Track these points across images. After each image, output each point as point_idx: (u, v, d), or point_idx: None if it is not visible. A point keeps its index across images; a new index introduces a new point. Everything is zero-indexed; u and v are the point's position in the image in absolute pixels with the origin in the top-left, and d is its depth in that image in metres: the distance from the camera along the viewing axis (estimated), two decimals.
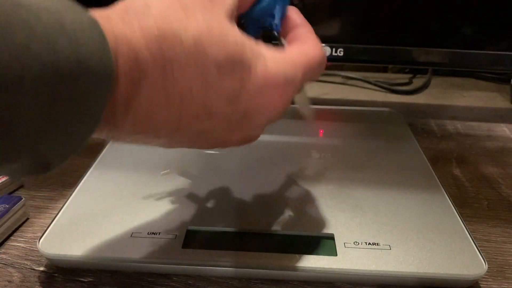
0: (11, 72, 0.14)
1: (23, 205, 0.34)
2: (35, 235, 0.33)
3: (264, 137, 0.27)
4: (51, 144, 0.17)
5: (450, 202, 0.34)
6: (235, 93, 0.21)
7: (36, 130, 0.16)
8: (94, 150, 0.42)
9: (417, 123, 0.51)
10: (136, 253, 0.28)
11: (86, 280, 0.29)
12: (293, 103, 0.26)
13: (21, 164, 0.17)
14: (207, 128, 0.22)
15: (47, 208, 0.36)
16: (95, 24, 0.17)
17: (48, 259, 0.30)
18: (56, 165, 0.18)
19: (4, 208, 0.32)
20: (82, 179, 0.36)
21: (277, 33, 0.26)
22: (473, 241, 0.30)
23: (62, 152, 0.18)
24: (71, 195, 0.34)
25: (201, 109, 0.20)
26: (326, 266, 0.28)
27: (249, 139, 0.25)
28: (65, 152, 0.18)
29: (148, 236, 0.30)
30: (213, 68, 0.20)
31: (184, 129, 0.21)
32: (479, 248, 0.29)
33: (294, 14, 0.26)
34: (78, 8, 0.17)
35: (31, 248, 0.31)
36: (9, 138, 0.15)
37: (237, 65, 0.20)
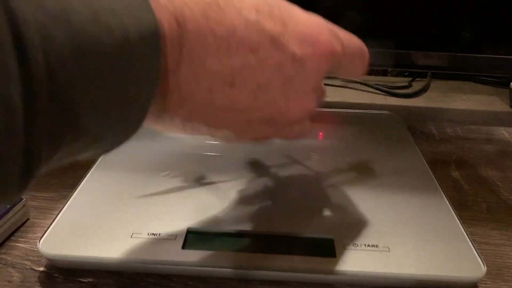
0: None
1: (24, 205, 0.34)
2: (36, 235, 0.33)
3: None
4: (115, 115, 0.18)
5: (449, 205, 0.34)
6: (278, 34, 0.21)
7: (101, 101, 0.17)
8: None
9: (416, 126, 0.52)
10: (136, 253, 0.28)
11: (86, 280, 0.29)
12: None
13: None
14: (262, 81, 0.22)
15: (48, 209, 0.36)
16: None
17: (48, 259, 0.30)
18: (118, 144, 0.19)
19: (4, 208, 0.32)
20: (82, 180, 0.36)
21: None
22: (472, 244, 0.30)
23: (123, 129, 0.19)
24: (71, 195, 0.34)
25: (248, 51, 0.21)
26: (325, 268, 0.28)
27: (308, 110, 0.25)
28: (126, 130, 0.19)
29: (148, 236, 0.30)
30: (252, 9, 0.21)
31: (239, 84, 0.21)
32: (478, 251, 0.29)
33: None
34: None
35: (32, 248, 0.31)
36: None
37: (274, 7, 0.22)
